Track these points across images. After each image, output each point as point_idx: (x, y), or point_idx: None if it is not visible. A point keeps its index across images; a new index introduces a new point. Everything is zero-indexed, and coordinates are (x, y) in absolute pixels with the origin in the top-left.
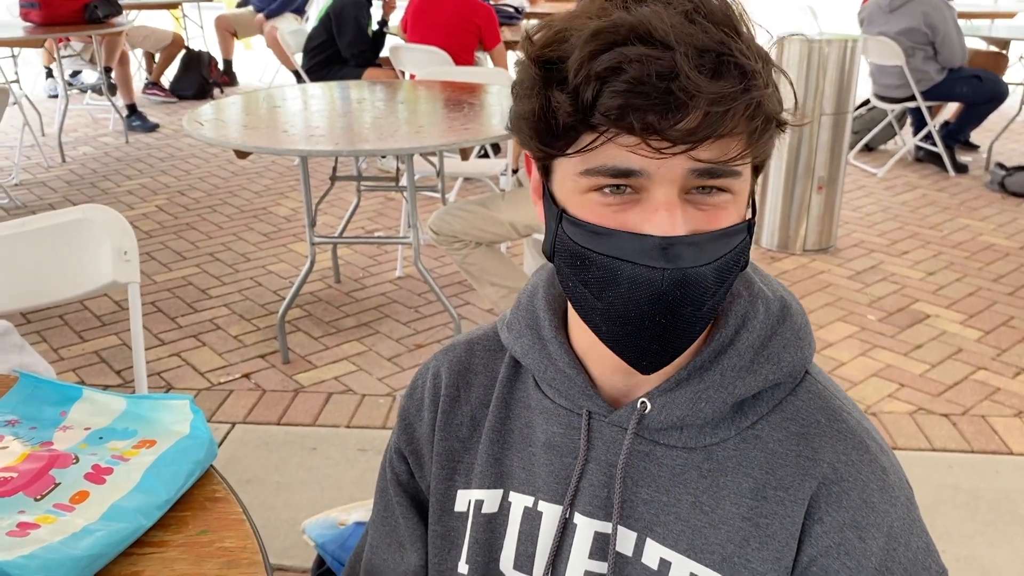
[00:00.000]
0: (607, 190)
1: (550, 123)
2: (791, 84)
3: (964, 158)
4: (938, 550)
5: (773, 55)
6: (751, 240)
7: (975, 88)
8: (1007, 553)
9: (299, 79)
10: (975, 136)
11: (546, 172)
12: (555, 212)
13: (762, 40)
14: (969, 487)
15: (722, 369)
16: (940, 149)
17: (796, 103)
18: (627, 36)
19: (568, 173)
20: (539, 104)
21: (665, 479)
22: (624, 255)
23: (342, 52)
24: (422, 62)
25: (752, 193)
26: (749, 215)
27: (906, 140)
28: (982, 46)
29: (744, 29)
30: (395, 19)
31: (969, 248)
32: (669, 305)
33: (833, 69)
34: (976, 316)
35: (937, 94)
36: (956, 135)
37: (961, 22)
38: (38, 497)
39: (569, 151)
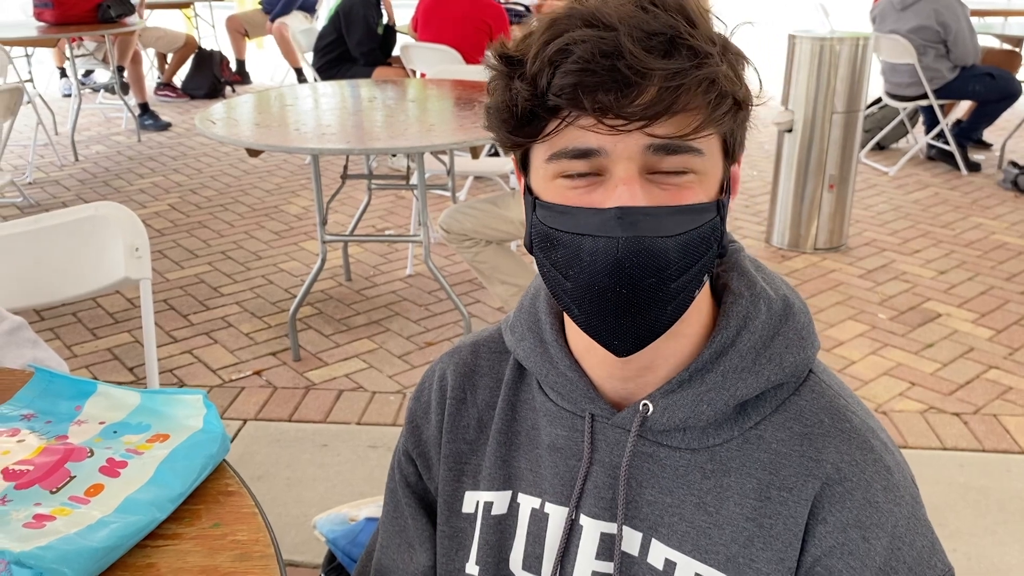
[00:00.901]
0: (573, 173)
1: (514, 112)
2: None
3: (977, 156)
4: (948, 549)
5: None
6: (723, 222)
7: (988, 86)
8: (1017, 552)
9: (300, 77)
10: (988, 134)
11: (525, 169)
12: (530, 201)
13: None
14: (980, 486)
15: (723, 370)
16: (952, 147)
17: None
18: (576, 23)
19: (539, 162)
20: (504, 96)
21: (669, 480)
22: (585, 229)
23: (351, 51)
24: (433, 61)
25: (726, 179)
26: (723, 198)
27: (918, 138)
28: (995, 44)
29: (698, 18)
30: (405, 18)
31: (981, 247)
32: (627, 274)
33: (844, 67)
34: (988, 315)
35: (949, 92)
36: (969, 133)
37: (974, 19)
38: (54, 490)
39: (536, 138)
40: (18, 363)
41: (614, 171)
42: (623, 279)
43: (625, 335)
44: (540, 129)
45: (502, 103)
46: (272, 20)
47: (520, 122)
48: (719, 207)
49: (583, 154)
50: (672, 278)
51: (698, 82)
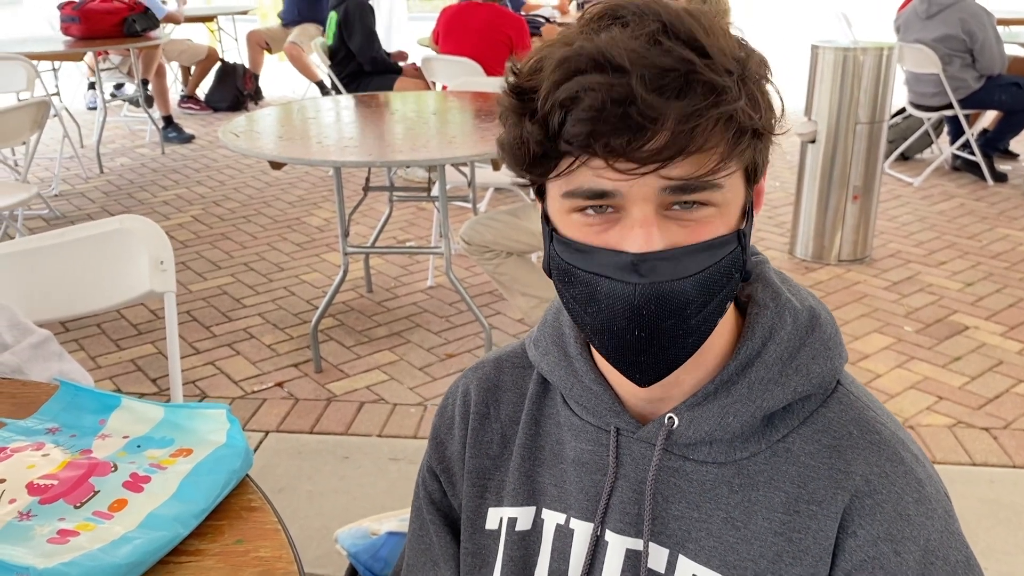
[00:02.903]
0: (589, 211)
1: (526, 151)
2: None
3: (1003, 167)
4: (981, 567)
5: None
6: (745, 250)
7: (1014, 95)
8: None
9: (323, 90)
10: (1015, 144)
11: (541, 194)
12: (547, 231)
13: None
14: (1011, 502)
15: (749, 382)
16: (978, 158)
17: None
18: (586, 64)
19: (555, 195)
20: (516, 134)
21: (696, 495)
22: (602, 271)
23: (357, 58)
24: (454, 73)
25: (747, 203)
26: (744, 225)
27: (943, 149)
28: (1021, 53)
29: (713, 46)
30: (426, 31)
31: (1009, 258)
32: (645, 320)
33: (868, 77)
34: (1017, 328)
35: (975, 102)
36: (995, 143)
37: (1000, 28)
38: (78, 505)
39: (549, 176)
40: (44, 376)
41: (630, 212)
42: (640, 323)
43: (645, 370)
44: (553, 167)
45: (514, 140)
46: (285, 25)
47: (533, 161)
48: (740, 237)
49: (598, 195)
50: (692, 315)
51: (714, 121)
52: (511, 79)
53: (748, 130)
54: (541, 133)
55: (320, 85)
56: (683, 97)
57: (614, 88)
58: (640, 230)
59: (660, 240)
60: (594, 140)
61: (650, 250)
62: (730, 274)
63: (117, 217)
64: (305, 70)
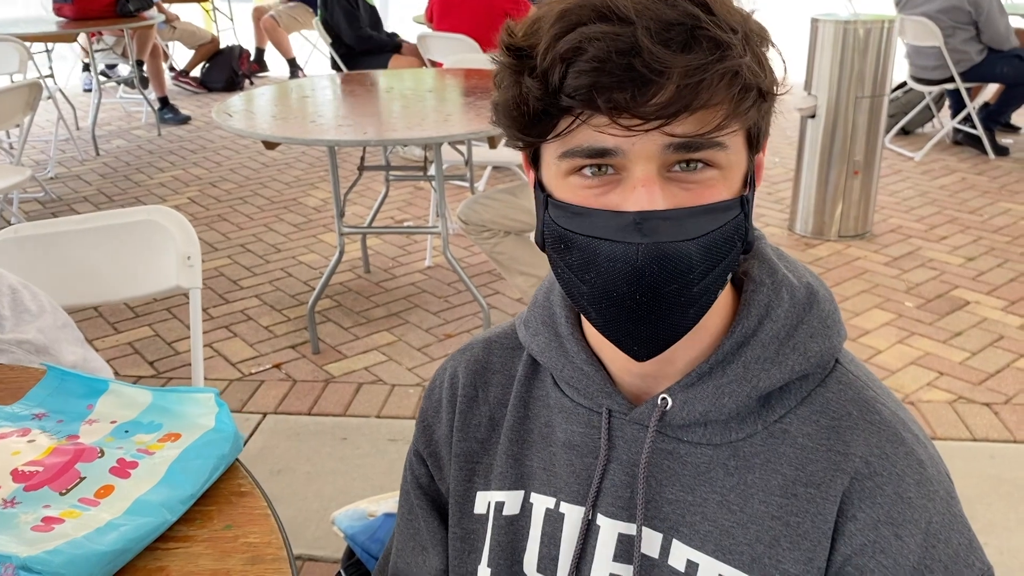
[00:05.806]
0: (587, 172)
1: (524, 110)
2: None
3: (1005, 140)
4: (980, 543)
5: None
6: (748, 218)
7: (1016, 68)
8: None
9: (293, 67)
10: (1016, 117)
11: (535, 163)
12: (542, 198)
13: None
14: (1012, 478)
15: (745, 361)
16: (980, 131)
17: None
18: (589, 15)
19: (551, 158)
20: (514, 93)
21: (690, 478)
22: (602, 233)
23: (347, 41)
24: (450, 50)
25: (750, 170)
26: (747, 192)
27: (944, 123)
28: (1023, 24)
29: (717, 3)
30: (419, 8)
31: (1010, 233)
32: (647, 282)
33: (869, 51)
34: (1018, 302)
35: (977, 75)
36: (997, 117)
37: (1004, 0)
38: (63, 491)
39: (548, 137)
40: (70, 359)
41: (632, 171)
42: (642, 286)
43: (645, 340)
44: (552, 127)
45: (511, 100)
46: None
47: (531, 120)
48: (743, 203)
49: (598, 153)
50: (695, 282)
51: (720, 76)
52: (507, 39)
53: (753, 87)
54: (541, 89)
55: (292, 63)
56: (688, 51)
57: (619, 38)
58: (643, 189)
59: (663, 200)
60: (597, 93)
61: (653, 208)
62: (733, 241)
63: (144, 208)
64: (280, 45)
